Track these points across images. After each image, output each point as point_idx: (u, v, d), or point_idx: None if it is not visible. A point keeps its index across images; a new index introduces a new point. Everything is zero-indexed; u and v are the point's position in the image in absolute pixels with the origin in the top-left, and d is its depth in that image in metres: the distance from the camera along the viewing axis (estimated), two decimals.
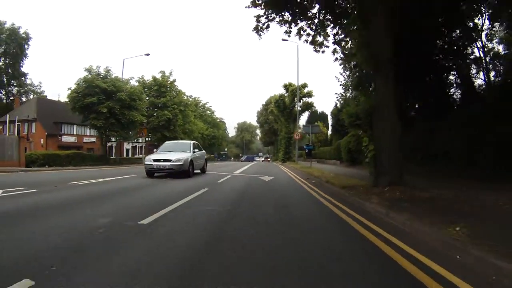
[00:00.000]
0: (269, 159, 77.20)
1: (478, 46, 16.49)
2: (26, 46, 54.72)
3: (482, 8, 15.06)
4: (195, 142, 19.81)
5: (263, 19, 14.07)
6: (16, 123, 45.42)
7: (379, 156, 9.15)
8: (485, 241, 3.80)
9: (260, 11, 13.89)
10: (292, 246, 4.32)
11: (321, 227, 5.78)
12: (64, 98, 57.89)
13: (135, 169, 23.71)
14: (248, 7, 13.70)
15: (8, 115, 44.81)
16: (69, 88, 33.87)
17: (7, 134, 43.35)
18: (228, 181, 14.35)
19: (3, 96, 58.40)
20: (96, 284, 2.91)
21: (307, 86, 51.51)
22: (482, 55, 16.40)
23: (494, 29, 16.38)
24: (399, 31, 12.90)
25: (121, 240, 4.39)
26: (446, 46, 15.78)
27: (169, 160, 14.86)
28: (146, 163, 15.54)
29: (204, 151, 20.02)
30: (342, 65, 18.58)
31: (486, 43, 16.99)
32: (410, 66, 14.80)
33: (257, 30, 14.30)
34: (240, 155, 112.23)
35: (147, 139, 47.79)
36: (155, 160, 15.12)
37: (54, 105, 52.34)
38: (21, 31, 53.52)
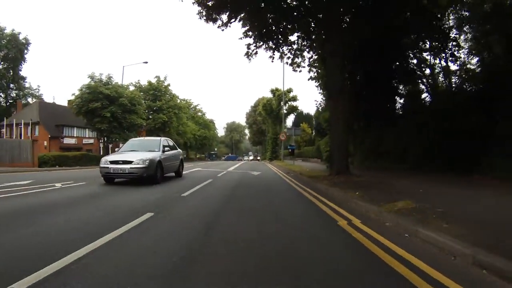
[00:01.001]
0: (258, 158, 75.73)
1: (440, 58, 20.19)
2: (25, 51, 56.95)
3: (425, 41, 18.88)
4: (167, 139, 16.31)
5: (252, 47, 17.46)
6: (20, 126, 48.03)
7: (332, 155, 13.21)
8: (366, 198, 7.66)
9: (250, 39, 17.43)
10: (268, 205, 8.21)
11: (285, 194, 9.96)
12: (59, 101, 60.57)
13: None
14: (241, 38, 17.22)
15: (14, 119, 47.68)
16: (73, 94, 36.96)
17: (10, 137, 46.43)
18: (226, 175, 17.98)
19: (2, 100, 60.64)
20: (179, 212, 6.71)
21: (292, 91, 56.21)
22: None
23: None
24: (361, 59, 16.99)
25: (178, 200, 8.19)
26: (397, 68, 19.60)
27: (130, 162, 11.84)
28: (101, 165, 12.34)
29: (179, 150, 16.84)
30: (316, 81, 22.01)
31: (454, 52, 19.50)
32: (369, 84, 18.83)
33: (248, 55, 17.74)
34: (230, 154, 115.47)
35: None
36: (112, 162, 12.04)
37: (55, 109, 54.92)
38: (21, 36, 55.71)
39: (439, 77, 21.01)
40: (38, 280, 3.01)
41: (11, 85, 60.15)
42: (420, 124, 14.40)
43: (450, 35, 18.64)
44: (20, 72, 59.19)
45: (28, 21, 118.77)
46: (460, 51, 19.36)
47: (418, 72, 20.57)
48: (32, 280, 2.99)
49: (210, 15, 14.90)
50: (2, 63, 56.32)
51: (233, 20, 15.44)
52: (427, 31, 17.81)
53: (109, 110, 35.85)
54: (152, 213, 6.31)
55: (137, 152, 12.89)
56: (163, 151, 13.56)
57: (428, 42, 19.19)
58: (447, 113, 13.20)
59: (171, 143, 15.67)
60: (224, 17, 15.29)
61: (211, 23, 15.19)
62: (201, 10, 14.71)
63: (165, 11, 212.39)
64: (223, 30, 15.83)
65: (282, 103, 51.57)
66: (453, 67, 19.70)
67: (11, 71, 57.44)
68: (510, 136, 10.21)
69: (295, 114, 63.09)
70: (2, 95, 60.37)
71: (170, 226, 5.35)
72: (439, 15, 17.78)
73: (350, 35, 15.23)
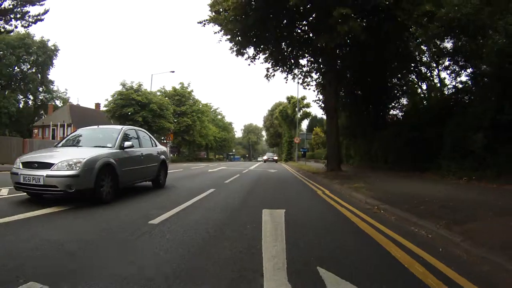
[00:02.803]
0: (276, 158, 64.75)
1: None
2: (54, 57, 60.40)
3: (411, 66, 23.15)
4: (138, 129, 11.03)
5: (270, 70, 21.90)
6: (52, 127, 53.20)
7: (328, 156, 18.00)
8: (340, 182, 12.30)
9: (268, 65, 21.93)
10: (280, 186, 13.01)
11: (292, 182, 14.67)
12: (82, 103, 64.53)
13: (171, 166, 30.66)
14: (262, 63, 21.96)
15: (46, 121, 52.92)
16: (106, 99, 41.86)
17: (42, 138, 51.37)
18: (248, 172, 22.30)
19: (31, 102, 65.03)
20: (230, 188, 11.44)
21: (305, 98, 61.37)
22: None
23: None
24: (360, 78, 21.56)
25: (223, 184, 12.93)
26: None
27: (48, 166, 6.98)
28: (12, 170, 7.40)
29: (160, 147, 11.87)
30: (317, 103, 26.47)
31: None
32: (366, 99, 23.44)
33: (267, 76, 22.21)
34: (247, 155, 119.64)
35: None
36: (25, 165, 7.23)
37: (84, 111, 59.40)
38: (50, 43, 59.31)
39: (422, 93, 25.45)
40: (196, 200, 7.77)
41: (39, 89, 64.04)
42: (395, 133, 18.88)
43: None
44: (48, 76, 62.88)
45: (58, 27, 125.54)
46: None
47: (416, 85, 25.06)
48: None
49: (239, 50, 19.58)
50: (30, 68, 60.00)
51: (258, 54, 20.06)
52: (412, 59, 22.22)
53: (140, 115, 40.22)
54: (214, 188, 10.95)
55: (76, 149, 8.46)
56: (123, 148, 8.63)
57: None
58: (415, 124, 17.61)
59: (143, 135, 10.65)
60: (250, 52, 20.02)
61: (240, 56, 19.94)
62: (232, 47, 19.40)
63: (185, 20, 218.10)
64: (249, 64, 20.33)
65: (296, 109, 56.33)
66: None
67: (39, 75, 61.05)
68: (448, 143, 14.62)
69: (309, 119, 67.86)
70: (31, 98, 64.63)
71: (228, 193, 10.10)
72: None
73: (349, 59, 19.90)
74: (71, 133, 10.11)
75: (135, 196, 8.87)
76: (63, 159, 7.00)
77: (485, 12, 13.46)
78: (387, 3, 14.61)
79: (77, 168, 6.88)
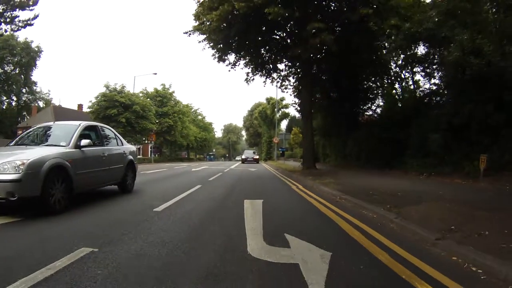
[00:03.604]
0: (257, 157, 54.32)
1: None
2: (37, 59, 60.17)
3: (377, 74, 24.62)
4: (100, 125, 9.71)
5: (250, 74, 23.28)
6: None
7: (304, 156, 19.51)
8: (312, 178, 13.79)
9: (248, 70, 23.35)
10: (259, 182, 14.44)
11: (270, 178, 16.12)
12: (64, 104, 64.23)
13: (154, 166, 32.23)
14: (242, 68, 23.28)
15: (30, 122, 52.91)
16: (90, 101, 42.72)
17: None
18: (230, 171, 23.57)
19: (14, 103, 64.08)
20: (215, 184, 12.80)
21: (284, 99, 62.76)
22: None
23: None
24: (335, 80, 23.09)
25: (208, 181, 14.24)
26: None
27: None
28: None
29: (128, 145, 10.82)
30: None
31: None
32: (340, 100, 25.04)
33: (247, 80, 23.53)
34: (227, 155, 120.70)
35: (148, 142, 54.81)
36: None
37: (67, 113, 57.83)
38: (34, 45, 59.06)
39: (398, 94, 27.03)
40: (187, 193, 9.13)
41: (23, 90, 63.61)
42: (368, 133, 20.46)
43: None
44: (31, 77, 62.59)
45: (41, 28, 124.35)
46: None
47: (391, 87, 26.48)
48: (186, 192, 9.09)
49: (221, 56, 20.94)
50: (14, 69, 59.78)
51: (239, 61, 21.51)
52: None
53: (124, 116, 41.17)
54: (201, 185, 12.28)
55: (25, 148, 7.26)
56: (79, 146, 7.47)
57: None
58: (388, 125, 19.13)
59: (106, 132, 9.50)
60: (231, 58, 21.43)
61: (221, 62, 21.33)
62: (214, 53, 20.73)
63: (167, 23, 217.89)
64: (229, 71, 21.77)
65: (275, 110, 58.00)
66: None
67: (22, 76, 60.86)
68: (413, 143, 16.23)
69: (288, 119, 69.68)
70: (15, 99, 64.00)
71: (213, 188, 11.46)
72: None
73: (324, 64, 21.40)
74: (27, 130, 8.85)
75: (135, 192, 10.10)
76: (5, 161, 5.98)
77: (447, 26, 15.06)
78: (360, 15, 15.88)
79: (20, 172, 5.86)
